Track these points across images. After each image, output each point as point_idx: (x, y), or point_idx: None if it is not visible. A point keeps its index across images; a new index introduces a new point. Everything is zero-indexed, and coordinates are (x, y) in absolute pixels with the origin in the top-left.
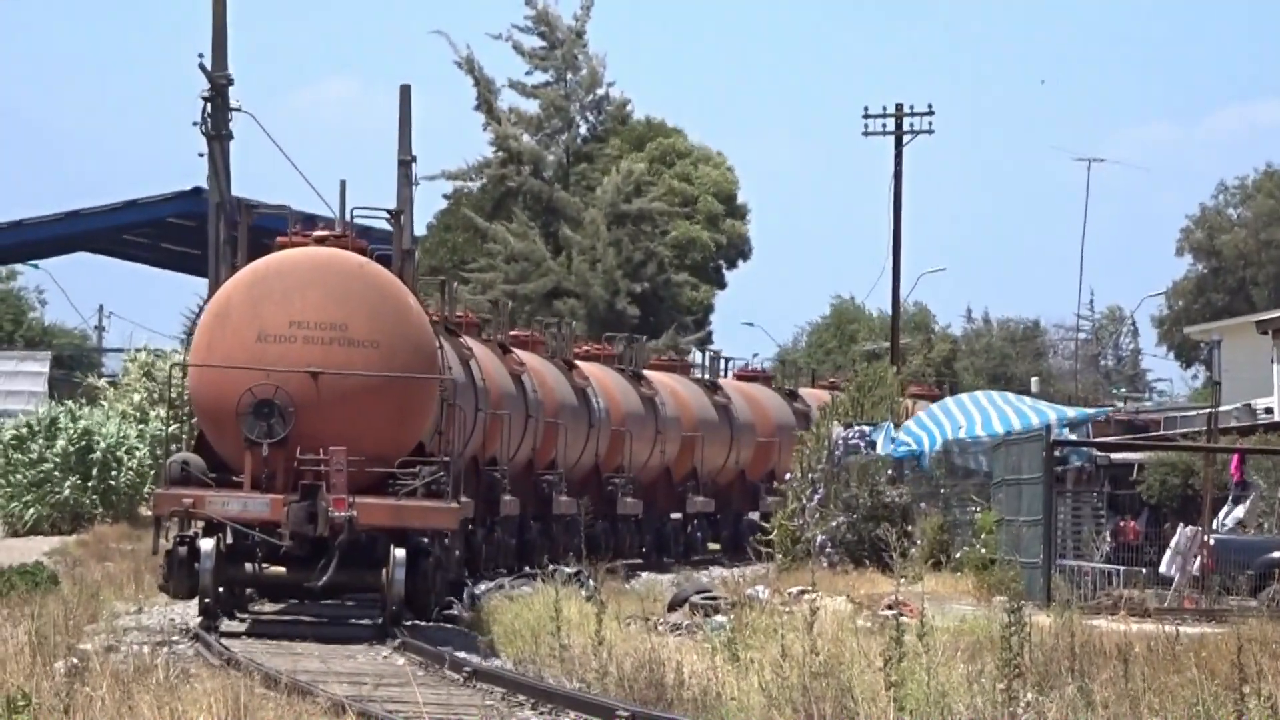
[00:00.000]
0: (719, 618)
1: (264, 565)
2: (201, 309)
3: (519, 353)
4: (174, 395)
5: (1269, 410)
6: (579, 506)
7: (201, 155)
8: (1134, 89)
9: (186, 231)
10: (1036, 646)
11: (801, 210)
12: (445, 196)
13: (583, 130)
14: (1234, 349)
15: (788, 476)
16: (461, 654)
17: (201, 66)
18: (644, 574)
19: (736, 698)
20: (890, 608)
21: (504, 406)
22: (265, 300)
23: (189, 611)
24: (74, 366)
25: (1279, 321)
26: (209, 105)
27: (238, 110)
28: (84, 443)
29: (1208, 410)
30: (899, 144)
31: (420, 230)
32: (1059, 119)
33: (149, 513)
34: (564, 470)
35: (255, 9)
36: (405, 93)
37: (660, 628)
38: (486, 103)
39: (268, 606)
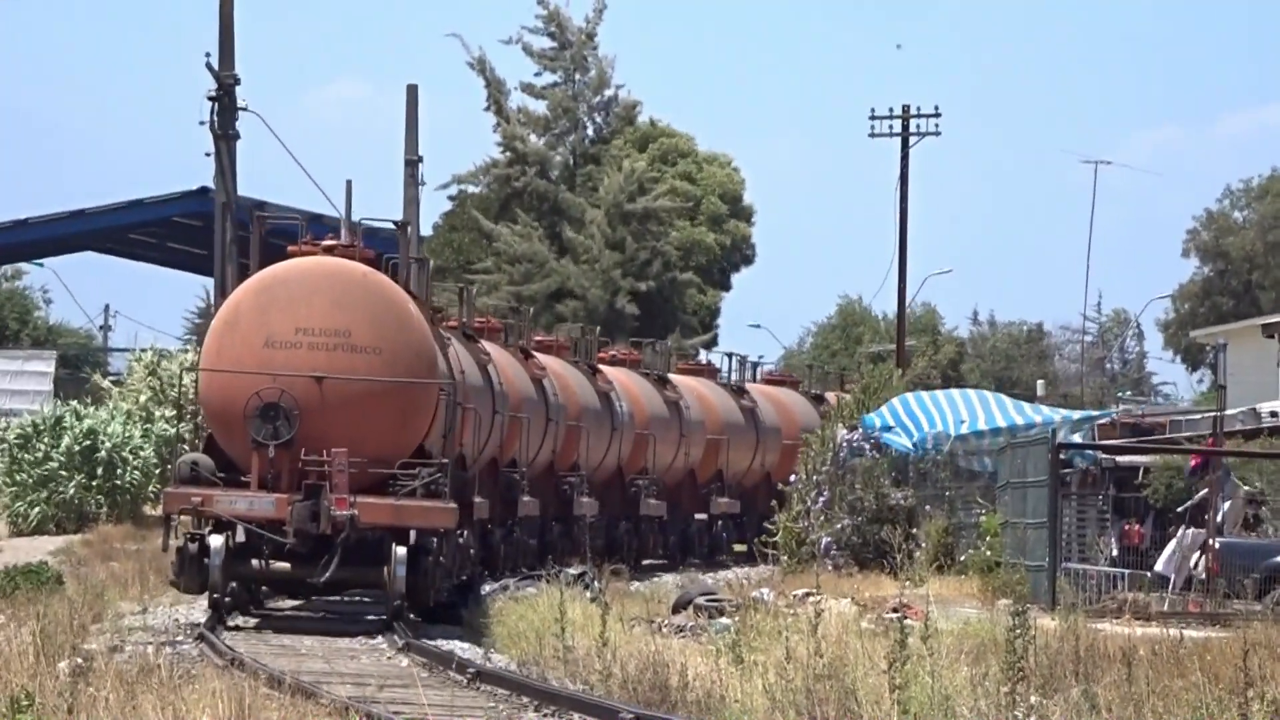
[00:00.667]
0: (723, 620)
1: (270, 562)
2: (203, 309)
3: (541, 357)
4: (176, 395)
5: (1274, 414)
6: (591, 507)
7: (208, 155)
8: (1142, 92)
9: (193, 231)
10: (1041, 650)
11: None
12: (451, 198)
13: (590, 132)
14: (1240, 352)
15: (792, 479)
16: (466, 655)
17: (208, 66)
18: (667, 575)
19: (740, 700)
20: (895, 610)
21: (523, 410)
22: (272, 308)
23: (193, 611)
24: (79, 366)
25: None
26: (216, 105)
27: (244, 110)
28: (89, 442)
29: (1213, 414)
30: (905, 146)
31: (426, 231)
32: (1066, 122)
33: (154, 512)
34: (586, 472)
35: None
36: (412, 93)
37: (664, 630)
38: (497, 103)
39: (285, 603)
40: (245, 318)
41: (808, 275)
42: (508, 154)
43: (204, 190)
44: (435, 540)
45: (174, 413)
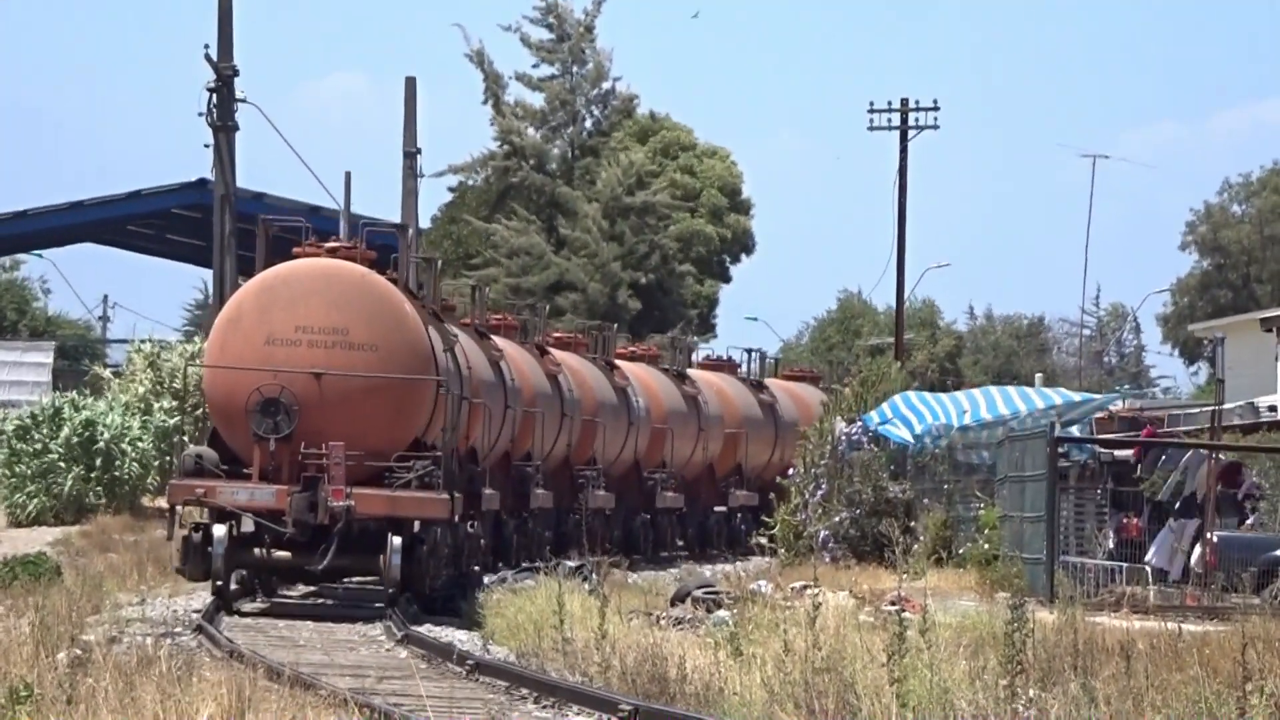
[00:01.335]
0: (721, 612)
1: (271, 550)
2: (202, 300)
3: (558, 353)
4: (180, 386)
5: (1272, 408)
6: (607, 500)
7: (207, 146)
8: (1140, 87)
9: (191, 223)
10: (1039, 643)
11: (806, 205)
12: (450, 189)
13: (588, 124)
14: (1238, 346)
15: (790, 472)
16: (464, 647)
17: (207, 57)
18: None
19: (739, 693)
20: (893, 603)
21: (537, 405)
22: (273, 307)
23: (191, 603)
24: (78, 357)
25: None
26: (214, 96)
27: (243, 101)
28: (87, 434)
29: (1211, 408)
30: (904, 139)
31: (425, 223)
32: (1065, 116)
33: (152, 504)
34: (603, 466)
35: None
36: (411, 85)
37: (663, 622)
38: (495, 96)
39: (294, 590)
40: (248, 316)
41: (806, 268)
42: (505, 148)
43: (202, 182)
44: (438, 530)
45: (173, 404)
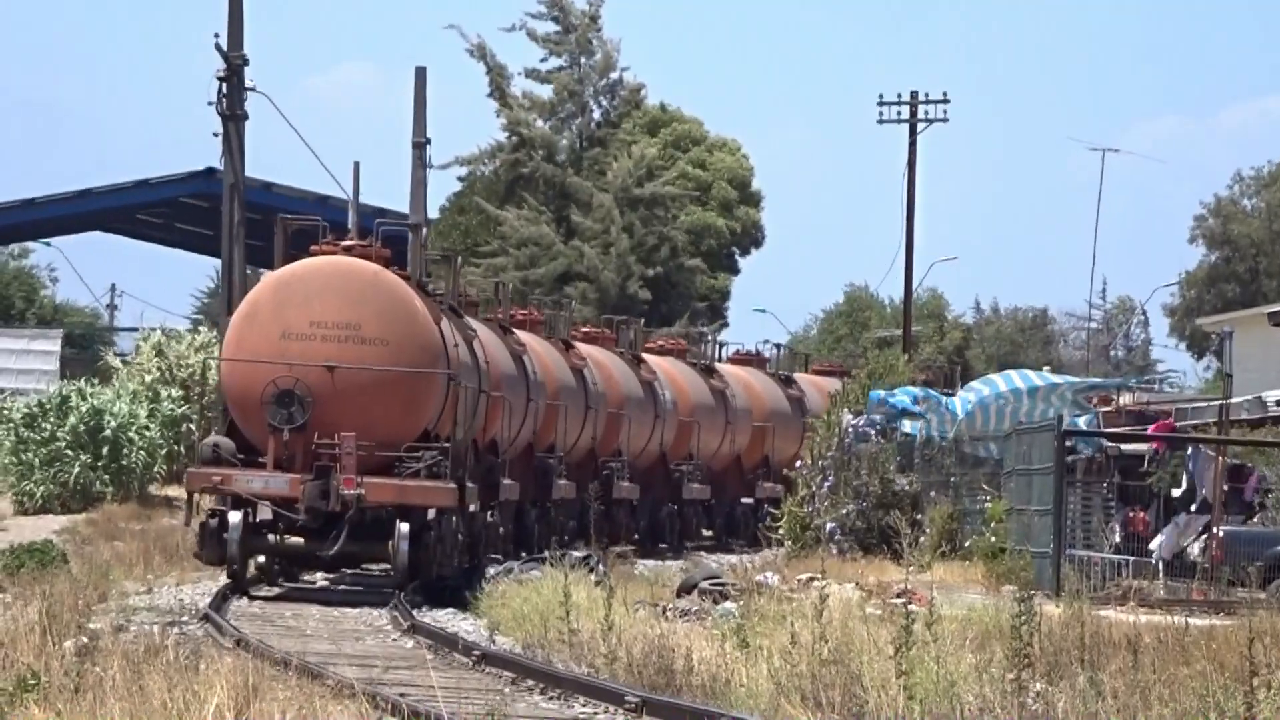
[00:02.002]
0: (727, 604)
1: (285, 536)
2: (213, 290)
3: (583, 347)
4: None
5: None
6: (632, 491)
7: (216, 135)
8: (1148, 81)
9: (200, 211)
10: (1045, 636)
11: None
12: (459, 179)
13: (596, 115)
14: (1246, 340)
15: (798, 464)
16: (471, 637)
17: (217, 46)
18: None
19: (746, 684)
20: (899, 596)
21: (561, 398)
22: (288, 303)
23: (198, 592)
24: (86, 345)
25: None
26: (224, 85)
27: (253, 91)
28: (95, 422)
29: (1219, 402)
30: (913, 132)
31: (433, 213)
32: (1074, 110)
33: (159, 492)
34: (629, 458)
35: None
36: (421, 75)
37: (669, 613)
38: (499, 89)
39: (311, 578)
40: (263, 311)
41: (815, 260)
42: (513, 139)
43: (211, 171)
44: (449, 518)
45: (180, 393)
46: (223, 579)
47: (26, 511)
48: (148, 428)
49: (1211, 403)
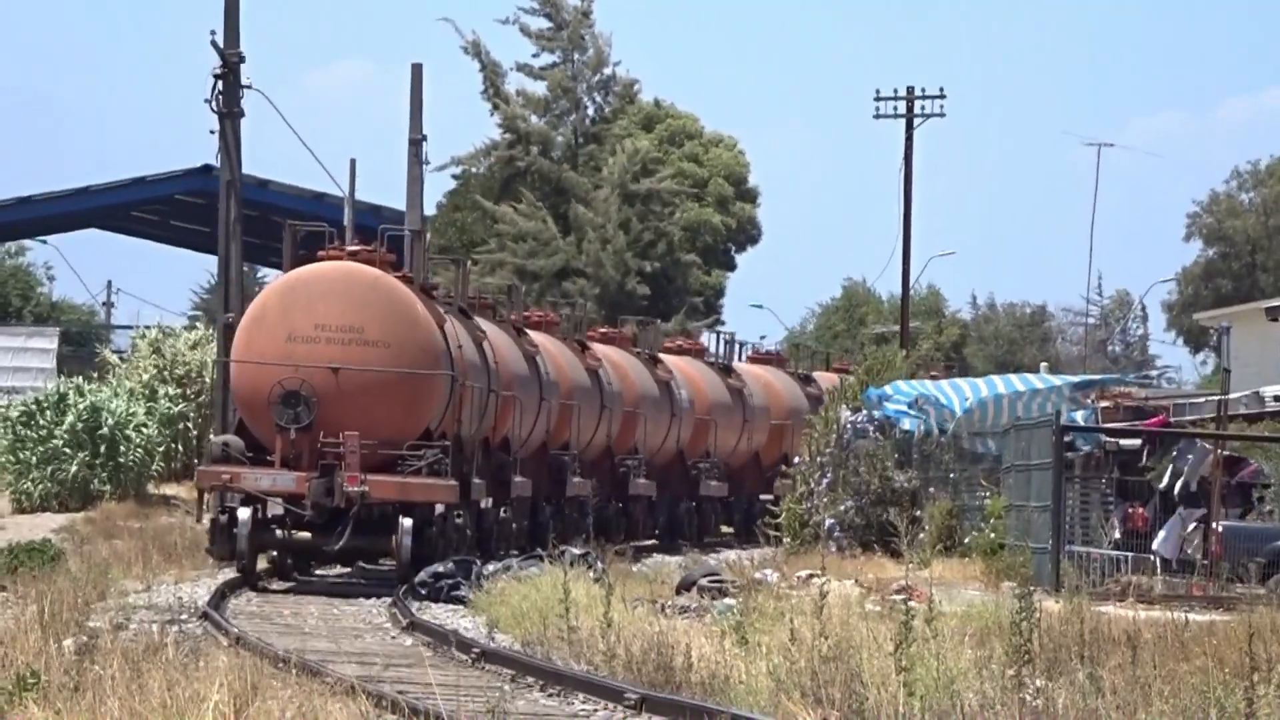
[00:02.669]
0: (727, 601)
1: (292, 532)
2: (211, 287)
3: (599, 348)
4: (181, 373)
5: (1278, 397)
6: (648, 488)
7: (212, 133)
8: (1145, 76)
9: (196, 209)
10: (1045, 632)
11: (812, 193)
12: (454, 177)
13: (590, 111)
14: (1243, 335)
15: (796, 460)
16: (469, 635)
17: (213, 43)
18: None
19: (745, 681)
20: (899, 592)
21: (575, 398)
22: (294, 307)
23: (197, 590)
24: (82, 343)
25: None
26: (220, 83)
27: (249, 88)
28: (92, 419)
29: (1217, 397)
30: (910, 127)
31: (429, 210)
32: (1070, 105)
33: (157, 490)
34: (645, 456)
35: None
36: (417, 72)
37: (668, 610)
38: (494, 86)
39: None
40: (270, 315)
41: (812, 256)
42: (508, 135)
43: (207, 168)
44: (453, 513)
45: (177, 390)
46: (221, 577)
47: (24, 510)
48: (145, 425)
49: (1210, 398)
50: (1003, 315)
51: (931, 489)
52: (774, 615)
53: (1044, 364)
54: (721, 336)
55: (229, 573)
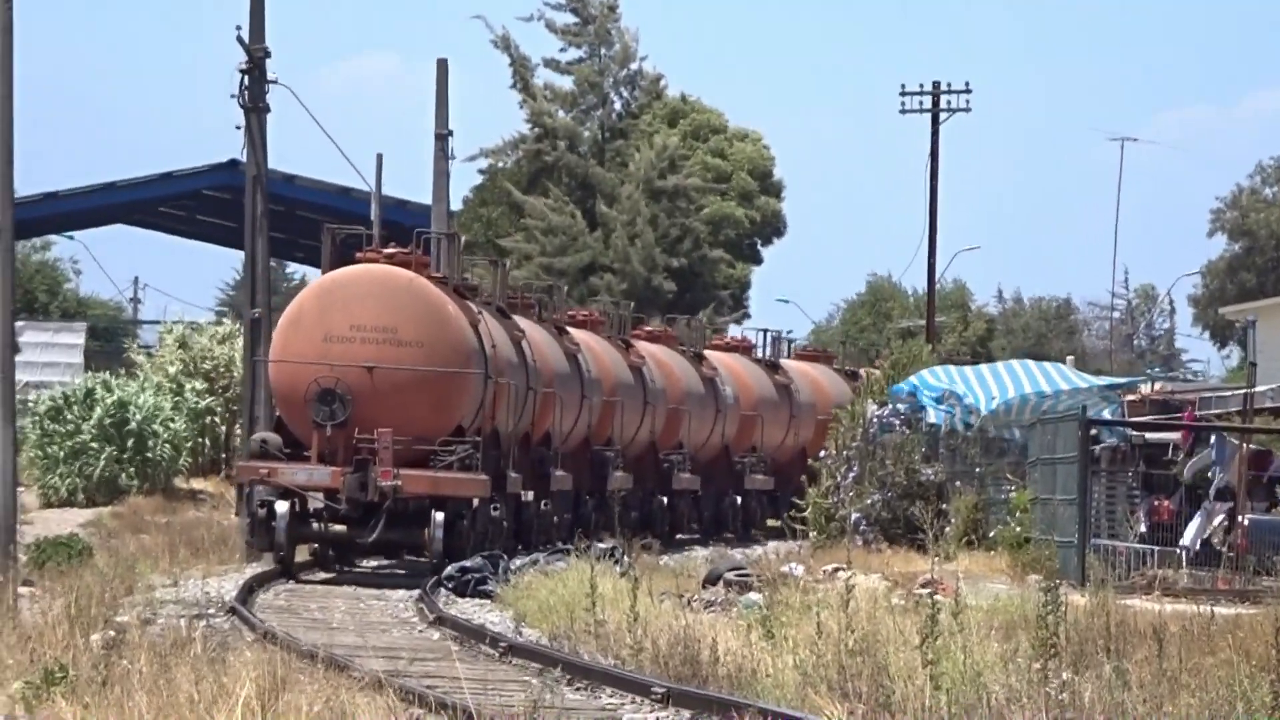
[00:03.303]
0: (752, 595)
1: (328, 525)
2: (238, 282)
3: (641, 345)
4: (208, 368)
5: None
6: (692, 482)
7: (238, 128)
8: (1169, 70)
9: (222, 204)
10: (1071, 626)
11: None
12: (481, 172)
13: (617, 106)
14: (1270, 329)
15: (822, 454)
16: (497, 629)
17: (239, 39)
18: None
19: (772, 675)
20: (925, 586)
21: (617, 395)
22: (331, 308)
23: (224, 584)
24: (109, 338)
25: None
26: (246, 78)
27: (274, 83)
28: (120, 414)
29: (1243, 391)
30: (935, 122)
31: (455, 204)
32: (1096, 100)
33: (184, 485)
34: (689, 451)
35: None
36: (443, 67)
37: (694, 604)
38: (522, 79)
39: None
40: (307, 316)
41: (838, 250)
42: (536, 130)
43: (233, 163)
44: (488, 507)
45: (204, 385)
46: (249, 571)
47: (52, 505)
48: (172, 420)
49: (1236, 391)
50: (1029, 309)
51: (958, 482)
52: (800, 609)
53: (1070, 356)
54: (769, 333)
55: (256, 567)
